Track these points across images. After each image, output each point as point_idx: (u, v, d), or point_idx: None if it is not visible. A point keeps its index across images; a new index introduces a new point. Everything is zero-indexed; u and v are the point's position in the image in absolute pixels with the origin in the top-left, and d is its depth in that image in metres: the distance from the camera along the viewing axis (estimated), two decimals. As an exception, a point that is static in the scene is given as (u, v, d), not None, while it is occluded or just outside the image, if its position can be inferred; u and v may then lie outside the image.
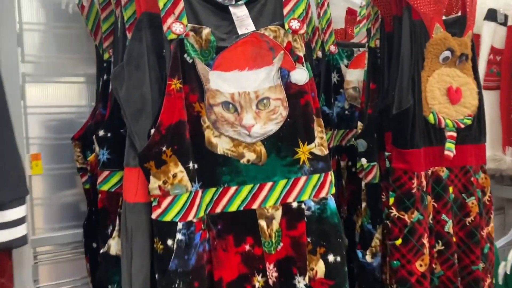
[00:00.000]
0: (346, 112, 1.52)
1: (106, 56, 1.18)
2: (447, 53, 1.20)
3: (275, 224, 0.92)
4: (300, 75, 0.94)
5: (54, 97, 1.39)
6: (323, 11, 1.46)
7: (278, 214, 0.93)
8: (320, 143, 0.97)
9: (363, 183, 1.26)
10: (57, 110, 1.40)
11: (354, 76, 1.50)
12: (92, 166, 1.07)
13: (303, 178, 0.95)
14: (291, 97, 0.94)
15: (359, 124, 1.29)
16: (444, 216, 1.22)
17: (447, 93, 1.21)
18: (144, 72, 0.90)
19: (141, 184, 0.87)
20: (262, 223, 0.91)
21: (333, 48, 1.48)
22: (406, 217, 1.15)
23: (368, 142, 1.24)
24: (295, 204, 0.94)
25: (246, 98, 0.89)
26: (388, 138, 1.20)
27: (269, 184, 0.92)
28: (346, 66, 1.51)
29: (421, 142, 1.18)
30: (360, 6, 1.67)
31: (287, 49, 0.94)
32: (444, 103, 1.21)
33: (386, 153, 1.21)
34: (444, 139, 1.22)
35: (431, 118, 1.20)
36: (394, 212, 1.16)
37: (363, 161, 1.24)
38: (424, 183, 1.18)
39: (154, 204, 0.86)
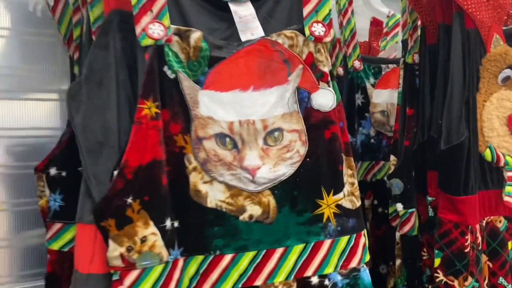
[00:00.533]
0: (372, 140, 1.26)
1: (76, 69, 0.94)
2: (508, 72, 0.94)
3: None
4: (325, 98, 0.68)
5: (20, 117, 1.15)
6: (347, 19, 1.21)
7: None
8: (350, 191, 0.71)
9: (397, 235, 0.99)
10: (24, 133, 1.15)
11: (382, 97, 1.25)
12: (44, 213, 0.82)
13: (327, 242, 0.69)
14: (312, 129, 0.68)
15: (392, 158, 1.02)
16: (501, 280, 0.95)
17: (508, 122, 0.95)
18: (110, 91, 0.65)
19: (99, 249, 0.61)
20: None
21: (357, 64, 1.22)
22: (456, 283, 0.88)
23: (405, 183, 0.98)
24: (315, 280, 0.68)
25: (250, 129, 0.64)
26: (431, 178, 0.94)
27: (279, 251, 0.66)
28: (373, 86, 1.26)
29: (477, 185, 0.91)
30: (388, 16, 1.43)
31: (308, 62, 0.69)
32: (504, 135, 0.94)
33: (429, 198, 0.94)
34: (502, 181, 0.96)
35: (487, 155, 0.93)
36: (440, 276, 0.89)
37: (399, 206, 0.98)
38: (480, 239, 0.92)
39: (114, 278, 0.60)
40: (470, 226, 0.88)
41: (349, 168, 0.72)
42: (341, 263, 0.69)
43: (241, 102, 0.64)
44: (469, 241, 0.88)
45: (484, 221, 0.96)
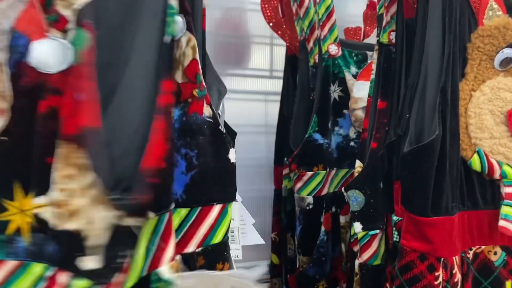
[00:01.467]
0: (352, 143, 1.03)
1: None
2: (509, 53, 0.70)
3: None
4: (51, 54, 0.46)
5: None
6: (321, -5, 1.00)
7: None
8: (61, 200, 0.45)
9: (356, 263, 0.77)
10: None
11: (366, 91, 1.01)
12: None
13: (11, 264, 0.45)
14: (21, 95, 0.46)
15: (358, 164, 0.80)
16: (495, 332, 0.71)
17: (507, 120, 0.70)
18: None
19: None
20: None
21: (333, 49, 1.00)
22: (421, 336, 0.64)
23: (367, 197, 0.75)
24: None
25: None
26: (398, 191, 0.71)
27: None
28: (354, 77, 1.03)
29: (456, 203, 0.67)
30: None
31: None
32: (500, 138, 0.70)
33: (394, 218, 0.71)
34: (498, 198, 0.71)
35: (475, 162, 0.69)
36: (400, 325, 0.66)
37: (357, 227, 0.75)
38: (459, 276, 0.67)
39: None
40: (443, 259, 0.65)
41: (72, 166, 0.46)
42: None
43: None
44: (440, 279, 0.65)
45: (471, 252, 0.71)
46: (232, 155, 0.58)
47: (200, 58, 0.59)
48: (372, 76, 0.82)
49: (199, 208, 0.56)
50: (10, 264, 0.44)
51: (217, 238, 0.58)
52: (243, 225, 0.73)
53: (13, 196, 0.45)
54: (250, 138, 1.25)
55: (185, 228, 0.58)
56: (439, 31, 0.68)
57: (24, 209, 0.45)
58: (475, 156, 0.69)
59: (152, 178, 0.45)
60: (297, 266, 1.00)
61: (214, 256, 0.58)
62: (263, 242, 0.72)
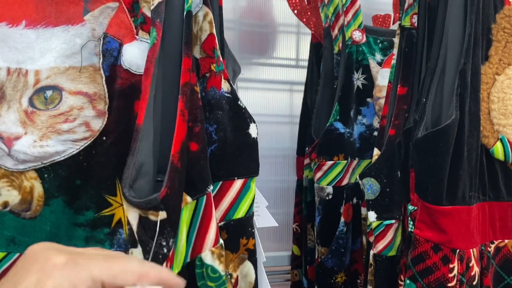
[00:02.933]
0: (375, 133, 1.00)
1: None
2: (537, 34, 0.65)
3: None
4: (141, 55, 0.47)
5: None
6: (346, -20, 0.97)
7: None
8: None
9: (371, 254, 0.74)
10: None
11: (391, 79, 0.98)
12: None
13: None
14: (117, 96, 0.47)
15: (375, 152, 0.77)
16: (518, 331, 0.67)
17: (534, 106, 0.66)
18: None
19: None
20: None
21: (357, 35, 0.97)
22: (434, 330, 0.61)
23: (383, 185, 0.72)
24: None
25: (19, 81, 0.45)
26: (413, 180, 0.68)
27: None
28: (380, 64, 1.00)
29: (474, 193, 0.64)
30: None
31: (128, 0, 0.48)
32: (527, 125, 0.65)
33: (410, 207, 0.68)
34: (525, 190, 0.67)
35: (497, 150, 0.65)
36: (412, 318, 0.63)
37: (371, 216, 0.73)
38: (477, 269, 0.64)
39: None
40: (458, 250, 0.62)
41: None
42: None
43: (9, 42, 0.45)
44: (455, 272, 0.61)
45: (493, 246, 0.67)
46: (253, 130, 0.57)
47: (217, 34, 0.58)
48: (393, 61, 0.79)
49: (220, 182, 0.55)
50: None
51: (240, 213, 0.57)
52: (256, 207, 0.72)
53: (116, 192, 0.47)
54: (275, 128, 1.24)
55: (203, 206, 0.57)
56: (460, 11, 0.65)
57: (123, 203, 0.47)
58: (498, 143, 0.65)
59: (177, 163, 0.44)
60: (316, 257, 0.98)
61: (237, 231, 0.56)
62: (276, 224, 0.70)
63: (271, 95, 1.24)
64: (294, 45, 1.24)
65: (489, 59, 0.66)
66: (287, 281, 1.13)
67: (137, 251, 0.42)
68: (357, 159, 0.99)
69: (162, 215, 0.40)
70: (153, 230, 0.41)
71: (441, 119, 0.64)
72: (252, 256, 0.57)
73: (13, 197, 0.44)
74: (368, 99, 1.00)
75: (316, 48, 1.09)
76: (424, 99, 0.65)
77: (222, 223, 0.55)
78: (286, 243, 1.18)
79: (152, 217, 0.40)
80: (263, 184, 1.22)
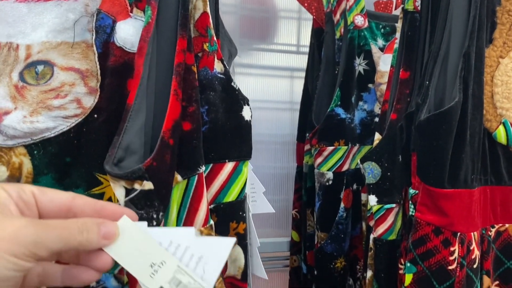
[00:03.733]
0: (377, 119, 0.99)
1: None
2: (542, 17, 0.65)
3: None
4: (135, 33, 0.46)
5: None
6: (348, -37, 0.96)
7: None
8: None
9: (371, 238, 0.74)
10: None
11: (392, 65, 0.98)
12: None
13: None
14: (109, 73, 0.46)
15: (376, 136, 0.77)
16: (517, 315, 0.67)
17: (538, 90, 0.65)
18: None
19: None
20: None
21: (359, 20, 0.97)
22: (434, 313, 0.62)
23: (384, 169, 0.72)
24: None
25: (9, 56, 0.44)
26: (415, 164, 0.67)
27: None
28: (381, 50, 0.99)
29: (476, 176, 0.64)
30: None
31: None
32: (530, 109, 0.65)
33: (411, 191, 0.68)
34: (527, 174, 0.67)
35: (500, 134, 0.65)
36: (412, 300, 0.63)
37: (372, 200, 0.73)
38: (478, 253, 0.64)
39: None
40: (459, 234, 0.61)
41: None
42: (120, 266, 0.48)
43: (0, 15, 0.44)
44: (456, 255, 0.61)
45: (494, 230, 0.67)
46: (246, 113, 0.56)
47: (212, 13, 0.57)
48: (396, 45, 0.78)
49: (211, 165, 0.55)
50: None
51: (230, 197, 0.56)
52: (253, 193, 0.71)
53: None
54: (275, 114, 1.23)
55: (193, 186, 0.57)
56: (465, -8, 0.64)
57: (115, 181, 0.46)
58: (501, 127, 0.65)
59: (169, 139, 0.44)
60: (316, 242, 0.98)
61: (227, 214, 0.56)
62: (273, 210, 0.70)
63: (272, 81, 1.23)
64: (295, 31, 1.23)
65: (493, 42, 0.65)
66: (285, 267, 1.13)
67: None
68: (357, 145, 0.99)
69: (148, 185, 0.40)
70: (142, 202, 0.41)
71: (444, 102, 0.63)
72: (242, 241, 0.56)
73: (1, 173, 0.44)
74: (370, 85, 0.99)
75: (317, 34, 1.08)
76: (427, 82, 0.64)
77: (212, 206, 0.54)
78: (285, 229, 1.19)
79: (137, 187, 0.40)
80: (263, 170, 1.21)
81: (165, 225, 0.47)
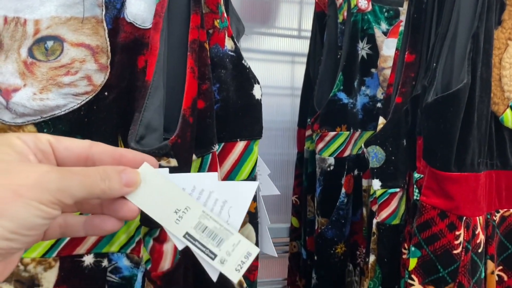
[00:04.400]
0: (379, 104, 0.98)
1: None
2: (552, -2, 0.64)
3: None
4: (145, 8, 0.45)
5: None
6: None
7: (50, 276, 0.46)
8: None
9: (374, 222, 0.74)
10: None
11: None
12: None
13: None
14: (120, 50, 0.45)
15: (381, 121, 0.76)
16: (520, 300, 0.67)
17: (546, 73, 0.64)
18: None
19: None
20: None
21: (363, 3, 0.95)
22: (438, 297, 0.61)
23: (388, 153, 0.71)
24: (89, 259, 0.47)
25: (17, 31, 0.43)
26: (421, 148, 0.67)
27: None
28: (385, 34, 0.98)
29: (483, 160, 0.63)
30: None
31: None
32: (538, 92, 0.64)
33: (416, 175, 0.67)
34: (533, 159, 0.66)
35: (507, 118, 0.64)
36: (416, 285, 0.63)
37: (375, 184, 0.72)
38: (483, 237, 0.63)
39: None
40: (465, 218, 0.61)
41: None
42: (133, 245, 0.47)
43: None
44: (461, 239, 0.61)
45: (498, 215, 0.67)
46: (257, 91, 0.55)
47: None
48: (401, 28, 0.77)
49: (222, 144, 0.54)
50: None
51: (242, 175, 0.55)
52: (258, 175, 0.70)
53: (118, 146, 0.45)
54: (275, 100, 1.22)
55: (208, 164, 0.56)
56: (474, -27, 0.63)
57: None
58: (508, 111, 0.64)
59: (189, 117, 0.43)
60: (316, 228, 0.97)
61: None
62: (278, 192, 0.69)
63: (272, 66, 1.22)
64: (296, 14, 1.21)
65: (502, 23, 0.64)
66: (285, 252, 1.13)
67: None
68: (359, 130, 0.98)
69: (173, 162, 0.39)
70: None
71: (451, 84, 0.62)
72: (253, 219, 0.56)
73: None
74: (373, 70, 0.98)
75: (319, 18, 1.07)
76: (434, 64, 0.63)
77: None
78: (285, 215, 1.18)
79: (163, 163, 0.39)
80: (263, 157, 1.19)
81: None
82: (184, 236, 0.31)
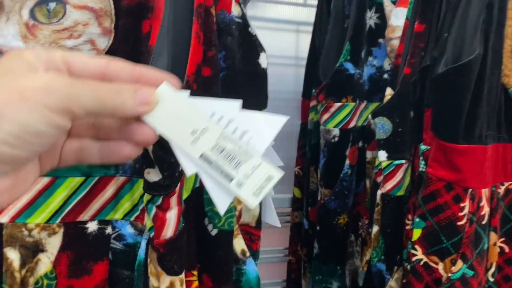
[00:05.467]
0: (386, 76, 0.97)
1: None
2: None
3: (43, 262, 0.46)
4: None
5: None
6: None
7: (54, 241, 0.46)
8: None
9: (378, 193, 0.74)
10: None
11: (405, 19, 0.95)
12: None
13: (120, 180, 0.47)
14: (123, 14, 0.44)
15: (388, 91, 0.75)
16: (521, 272, 0.67)
17: (559, 45, 0.63)
18: None
19: None
20: (12, 255, 0.45)
21: (372, -29, 0.93)
22: (440, 267, 0.62)
23: (395, 124, 0.71)
24: (93, 226, 0.47)
25: None
26: (428, 120, 0.66)
27: (43, 181, 0.45)
28: (394, 3, 0.96)
29: (491, 133, 0.62)
30: None
31: None
32: (549, 65, 0.63)
33: (422, 147, 0.67)
34: (540, 132, 0.66)
35: (517, 91, 0.63)
36: (419, 255, 0.63)
37: (381, 155, 0.72)
38: (487, 210, 0.64)
39: None
40: (471, 190, 0.61)
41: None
42: (137, 213, 0.47)
43: None
44: (466, 211, 0.61)
45: (503, 188, 0.67)
46: (263, 60, 0.54)
47: None
48: (411, -3, 0.75)
49: None
50: (120, 179, 0.46)
51: None
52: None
53: None
54: (278, 70, 1.20)
55: None
56: None
57: None
58: (518, 83, 0.63)
59: (192, 84, 0.42)
60: (319, 199, 0.98)
61: None
62: (281, 163, 0.69)
63: (276, 35, 1.20)
64: (302, -18, 1.18)
65: (516, -7, 0.62)
66: (287, 222, 1.14)
67: (154, 171, 0.40)
68: (365, 101, 0.97)
69: None
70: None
71: (462, 55, 0.61)
72: None
73: None
74: (380, 40, 0.96)
75: (326, -15, 1.04)
76: (445, 34, 0.62)
77: None
78: (287, 185, 1.18)
79: None
80: (265, 127, 1.20)
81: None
82: (200, 157, 0.29)
